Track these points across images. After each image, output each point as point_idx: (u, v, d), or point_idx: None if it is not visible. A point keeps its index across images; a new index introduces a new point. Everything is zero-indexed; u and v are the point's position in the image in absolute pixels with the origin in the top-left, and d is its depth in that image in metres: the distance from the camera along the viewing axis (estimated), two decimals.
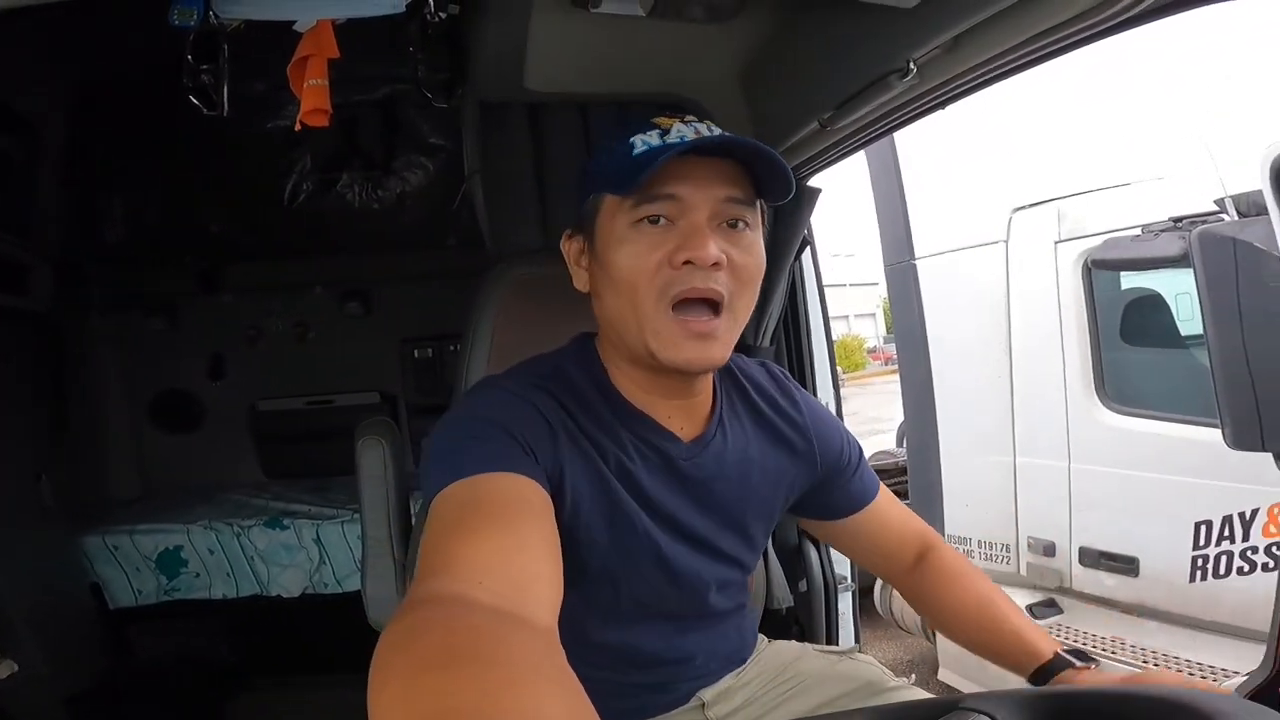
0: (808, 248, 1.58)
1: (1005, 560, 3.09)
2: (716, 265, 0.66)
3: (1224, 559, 2.37)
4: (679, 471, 0.76)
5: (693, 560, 0.78)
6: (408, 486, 1.39)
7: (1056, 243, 2.86)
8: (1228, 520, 2.34)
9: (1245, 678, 1.44)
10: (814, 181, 1.40)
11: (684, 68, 1.32)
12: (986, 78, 0.83)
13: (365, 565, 1.34)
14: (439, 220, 2.75)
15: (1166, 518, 2.48)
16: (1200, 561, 2.43)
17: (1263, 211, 2.04)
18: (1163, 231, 2.47)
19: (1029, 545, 2.97)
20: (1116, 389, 2.70)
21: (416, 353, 3.12)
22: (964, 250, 3.25)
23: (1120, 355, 2.81)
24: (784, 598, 1.52)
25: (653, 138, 0.68)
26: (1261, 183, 1.22)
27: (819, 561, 1.58)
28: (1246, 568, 2.32)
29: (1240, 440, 1.60)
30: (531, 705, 0.34)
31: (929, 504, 3.39)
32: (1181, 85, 2.44)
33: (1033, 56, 0.76)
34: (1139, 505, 2.56)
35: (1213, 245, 2.03)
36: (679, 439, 0.77)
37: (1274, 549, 2.26)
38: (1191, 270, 2.00)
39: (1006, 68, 0.79)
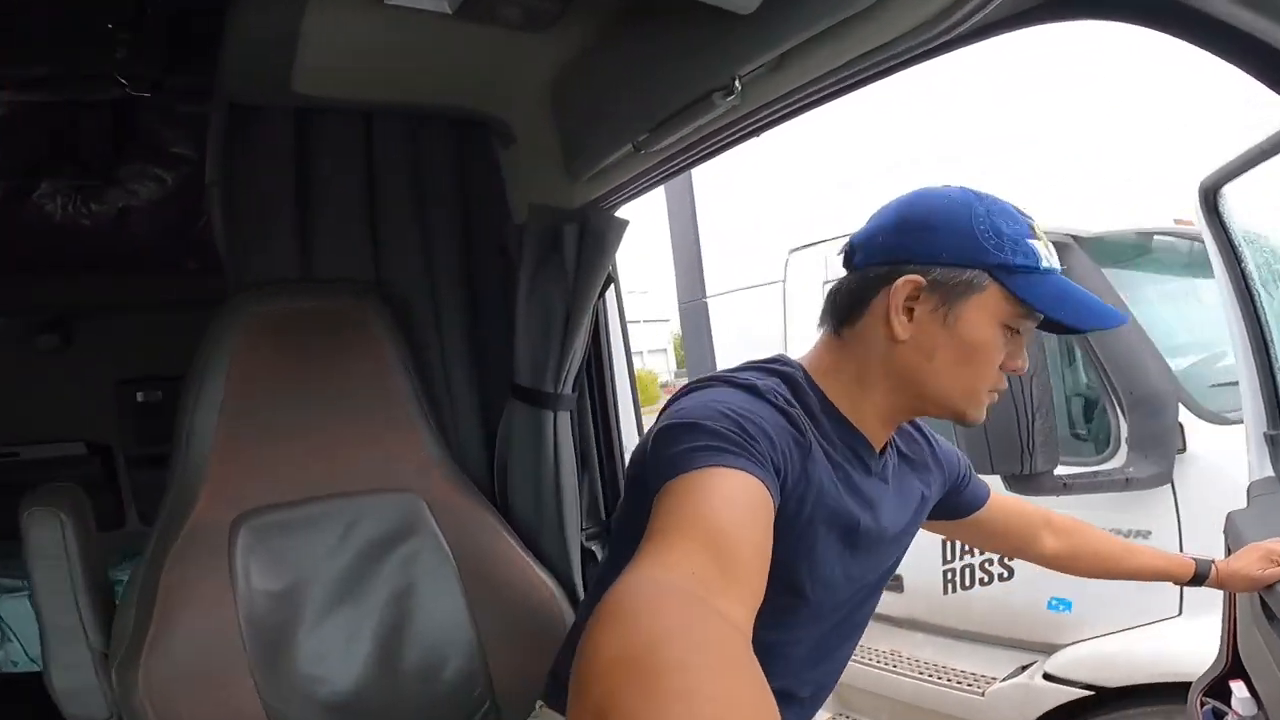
0: (611, 285, 1.49)
1: None
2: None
3: (968, 571, 2.68)
4: (873, 480, 0.84)
5: (870, 565, 0.87)
6: (100, 560, 1.15)
7: (824, 283, 3.09)
8: None
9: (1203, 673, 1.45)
10: (622, 212, 1.32)
11: (490, 79, 1.17)
12: (809, 99, 0.80)
13: (48, 656, 1.11)
14: (175, 241, 2.29)
15: (921, 536, 2.73)
16: (949, 575, 2.72)
17: None
18: None
19: None
20: None
21: (141, 395, 2.55)
22: (750, 289, 3.42)
23: None
24: None
25: (1045, 249, 0.74)
26: (1195, 208, 1.35)
27: None
28: (986, 579, 2.64)
29: (974, 467, 1.81)
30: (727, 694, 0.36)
31: None
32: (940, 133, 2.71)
33: (858, 77, 0.73)
34: None
35: None
36: (876, 454, 0.85)
37: (1005, 560, 2.61)
38: None
39: (830, 89, 0.76)
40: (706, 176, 3.37)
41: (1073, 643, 2.28)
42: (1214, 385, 2.16)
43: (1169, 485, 2.00)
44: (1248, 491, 1.41)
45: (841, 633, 0.91)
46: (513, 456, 1.41)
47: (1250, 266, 1.34)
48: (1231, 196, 1.32)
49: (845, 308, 0.81)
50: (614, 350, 1.54)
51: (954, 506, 1.08)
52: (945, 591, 2.73)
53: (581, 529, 1.45)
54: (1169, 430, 1.98)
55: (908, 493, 0.92)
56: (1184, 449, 1.99)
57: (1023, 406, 1.61)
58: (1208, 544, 1.43)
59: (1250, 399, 1.41)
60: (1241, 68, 0.47)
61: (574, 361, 1.39)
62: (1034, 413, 1.62)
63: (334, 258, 1.34)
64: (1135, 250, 2.47)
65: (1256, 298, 1.34)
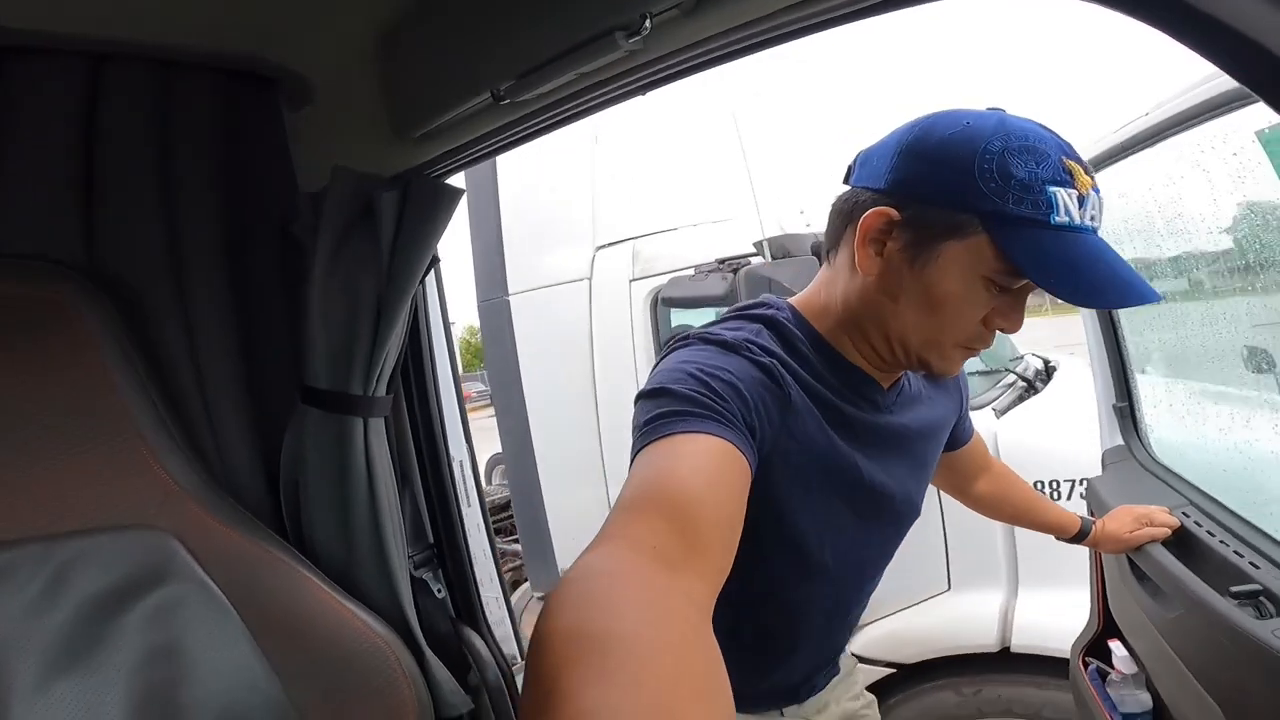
0: (435, 267, 1.27)
1: None
2: None
3: None
4: (883, 416, 0.79)
5: (883, 515, 0.82)
6: None
7: (631, 280, 3.05)
8: None
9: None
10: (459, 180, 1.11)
11: (285, 12, 0.90)
12: (722, 52, 0.68)
13: None
14: None
15: None
16: None
17: (789, 254, 2.47)
18: (710, 272, 2.71)
19: None
20: None
21: None
22: (555, 286, 3.29)
23: None
24: (460, 702, 1.20)
25: (1073, 202, 0.61)
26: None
27: (488, 647, 1.28)
28: None
29: None
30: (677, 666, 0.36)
31: (537, 538, 3.31)
32: (741, 132, 2.75)
33: (780, 31, 0.63)
34: None
35: (753, 283, 2.37)
36: (883, 389, 0.79)
37: None
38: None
39: (747, 41, 0.65)
40: (513, 162, 3.16)
41: (872, 621, 2.34)
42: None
43: None
44: (1102, 459, 1.49)
45: (868, 575, 0.88)
46: (308, 475, 1.13)
47: None
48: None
49: (830, 233, 0.76)
50: (435, 344, 1.31)
51: (951, 439, 1.02)
52: None
53: (408, 556, 1.22)
54: None
55: (930, 419, 0.87)
56: None
57: None
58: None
59: (1100, 374, 1.48)
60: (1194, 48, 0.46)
61: (389, 358, 1.15)
62: None
63: (18, 233, 0.98)
64: None
65: None
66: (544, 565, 3.27)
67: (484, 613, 1.33)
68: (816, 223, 2.63)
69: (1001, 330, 0.69)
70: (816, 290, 0.78)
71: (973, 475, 1.14)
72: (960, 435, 1.04)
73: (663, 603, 0.43)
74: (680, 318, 3.10)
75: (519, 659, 1.36)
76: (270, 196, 1.13)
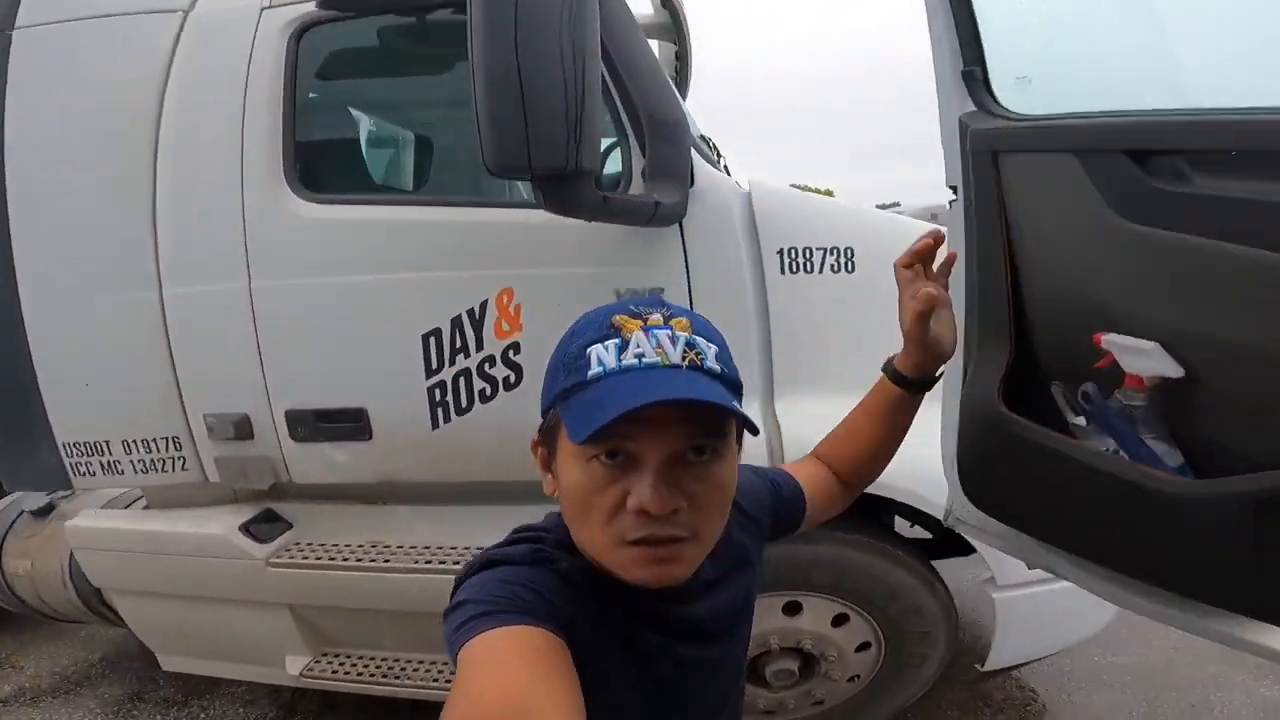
0: None
1: (177, 464, 1.91)
2: (676, 512, 0.60)
3: (463, 383, 1.81)
4: (682, 621, 0.73)
5: (711, 682, 0.78)
6: None
7: (264, 9, 1.94)
8: (457, 326, 1.79)
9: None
10: None
11: None
12: None
13: None
14: None
15: (391, 339, 1.77)
16: (439, 394, 1.81)
17: None
18: None
19: (210, 430, 1.86)
20: (313, 173, 1.84)
21: None
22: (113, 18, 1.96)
23: (320, 132, 2.05)
24: None
25: (609, 355, 0.59)
26: None
27: None
28: (488, 389, 1.81)
29: (503, 156, 1.23)
30: None
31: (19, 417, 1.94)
32: None
33: None
34: (356, 329, 1.75)
35: None
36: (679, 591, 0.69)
37: (510, 354, 1.82)
38: None
39: None
40: None
41: None
42: None
43: (679, 235, 1.73)
44: (961, 128, 1.14)
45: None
46: None
47: None
48: None
49: None
50: None
51: (787, 524, 0.94)
52: (435, 423, 1.82)
53: None
54: (683, 158, 1.70)
55: (732, 586, 0.78)
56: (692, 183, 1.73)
57: (573, 94, 1.24)
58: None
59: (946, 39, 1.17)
60: None
61: None
62: (583, 99, 1.25)
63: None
64: None
65: None
66: (30, 455, 1.91)
67: None
68: None
69: (642, 509, 0.59)
70: None
71: (831, 480, 0.99)
72: (794, 505, 0.94)
73: None
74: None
75: None
76: None
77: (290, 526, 1.95)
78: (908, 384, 0.92)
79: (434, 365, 1.76)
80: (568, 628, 0.60)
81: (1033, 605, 1.76)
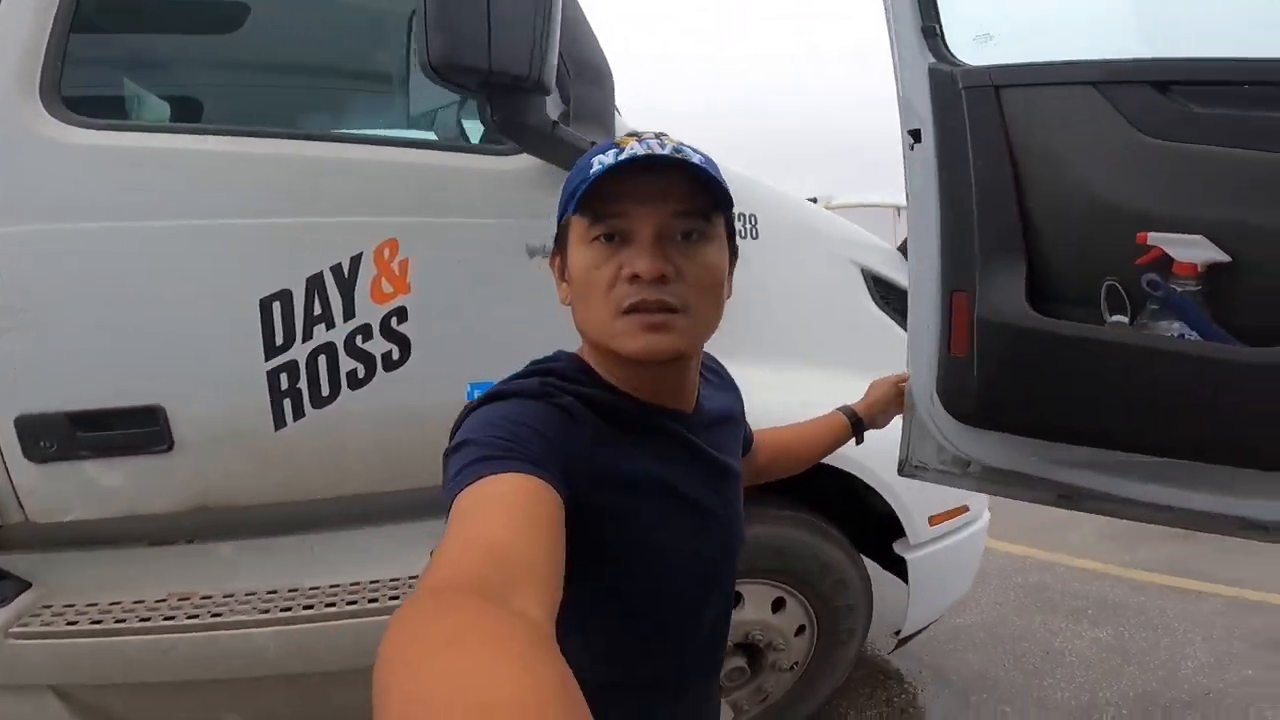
0: None
1: None
2: (663, 279, 0.68)
3: (323, 364, 1.35)
4: (691, 445, 0.78)
5: (716, 532, 0.80)
6: None
7: None
8: (316, 287, 1.35)
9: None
10: None
11: None
12: None
13: None
14: None
15: (208, 307, 1.26)
16: (284, 381, 1.33)
17: None
18: None
19: None
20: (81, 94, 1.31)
21: None
22: None
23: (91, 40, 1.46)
24: None
25: (608, 157, 0.68)
26: None
27: None
28: (362, 370, 1.38)
29: (452, 56, 1.09)
30: (528, 678, 0.36)
31: None
32: None
33: None
34: (149, 292, 1.23)
35: None
36: (685, 414, 0.79)
37: (393, 323, 1.41)
38: None
39: None
40: None
41: None
42: None
43: None
44: (933, 70, 1.19)
45: (717, 602, 0.82)
46: None
47: None
48: None
49: None
50: None
51: (744, 444, 0.99)
52: (280, 421, 1.33)
53: None
54: (609, 103, 1.55)
55: (729, 436, 0.85)
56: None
57: (542, 6, 1.17)
58: None
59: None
60: None
61: None
62: (549, 12, 1.18)
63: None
64: None
65: None
66: None
67: None
68: None
69: (634, 274, 0.67)
70: None
71: (756, 460, 1.07)
72: (747, 437, 1.01)
73: (497, 621, 0.43)
74: None
75: None
76: None
77: (28, 586, 1.28)
78: (858, 424, 1.15)
79: (278, 340, 1.30)
80: (567, 471, 0.63)
81: (935, 563, 1.82)
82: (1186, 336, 0.93)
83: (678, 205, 0.69)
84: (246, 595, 1.34)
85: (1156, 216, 0.96)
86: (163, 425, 1.26)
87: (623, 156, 0.67)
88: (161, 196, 1.25)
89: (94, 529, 1.30)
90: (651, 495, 0.72)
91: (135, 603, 1.30)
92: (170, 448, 1.27)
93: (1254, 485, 0.95)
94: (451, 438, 0.68)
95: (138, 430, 1.25)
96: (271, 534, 1.42)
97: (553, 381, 0.71)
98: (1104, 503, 1.11)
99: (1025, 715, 2.11)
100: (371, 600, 1.36)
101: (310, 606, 1.33)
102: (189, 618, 1.27)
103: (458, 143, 1.78)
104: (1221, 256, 0.91)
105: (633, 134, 0.71)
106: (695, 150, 0.71)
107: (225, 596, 1.34)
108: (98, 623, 1.23)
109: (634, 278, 0.67)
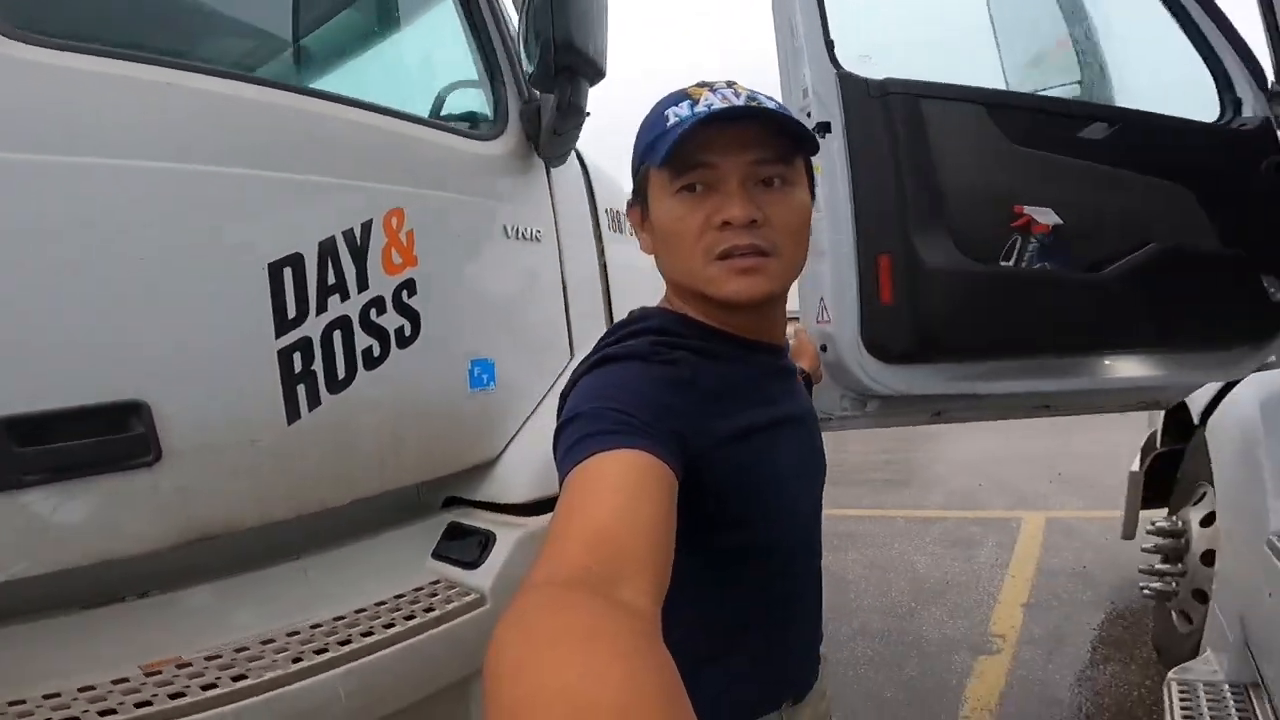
0: None
1: None
2: (753, 223, 0.69)
3: (339, 341, 1.11)
4: (791, 371, 0.85)
5: (810, 465, 0.83)
6: None
7: None
8: (329, 254, 1.12)
9: None
10: None
11: None
12: None
13: None
14: None
15: (202, 272, 0.98)
16: (299, 362, 1.06)
17: None
18: None
19: None
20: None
21: None
22: None
23: None
24: None
25: (683, 109, 0.71)
26: None
27: None
28: (377, 348, 1.16)
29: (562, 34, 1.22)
30: (630, 681, 0.36)
31: None
32: None
33: None
34: (120, 252, 0.91)
35: None
36: (780, 346, 0.83)
37: (404, 295, 1.22)
38: None
39: None
40: None
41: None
42: None
43: (547, 184, 1.62)
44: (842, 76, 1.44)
45: (815, 539, 0.85)
46: None
47: None
48: None
49: None
50: None
51: None
52: (294, 413, 1.06)
53: None
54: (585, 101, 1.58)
55: (804, 396, 0.89)
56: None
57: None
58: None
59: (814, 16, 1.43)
60: None
61: None
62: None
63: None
64: None
65: None
66: None
67: None
68: None
69: (727, 220, 0.69)
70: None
71: None
72: None
73: (607, 616, 0.43)
74: None
75: None
76: None
77: None
78: (808, 382, 1.11)
79: (291, 313, 1.09)
80: (682, 434, 0.64)
81: None
82: (1048, 268, 1.46)
83: (760, 153, 0.70)
84: (236, 653, 1.04)
85: (1023, 196, 1.47)
86: (148, 429, 0.94)
87: (699, 109, 0.69)
88: (154, 134, 0.97)
89: (27, 589, 0.89)
90: (763, 434, 0.74)
91: (81, 691, 0.92)
92: (156, 459, 0.95)
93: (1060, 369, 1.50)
94: (561, 405, 0.68)
95: (111, 437, 0.92)
96: (260, 566, 1.13)
97: (662, 340, 0.72)
98: (969, 411, 1.59)
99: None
100: (388, 626, 1.17)
101: (323, 650, 1.09)
102: (172, 697, 0.94)
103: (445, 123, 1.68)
104: (1056, 220, 1.46)
105: (703, 84, 0.73)
106: (770, 97, 0.73)
107: (208, 660, 1.02)
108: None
109: (724, 225, 0.69)
